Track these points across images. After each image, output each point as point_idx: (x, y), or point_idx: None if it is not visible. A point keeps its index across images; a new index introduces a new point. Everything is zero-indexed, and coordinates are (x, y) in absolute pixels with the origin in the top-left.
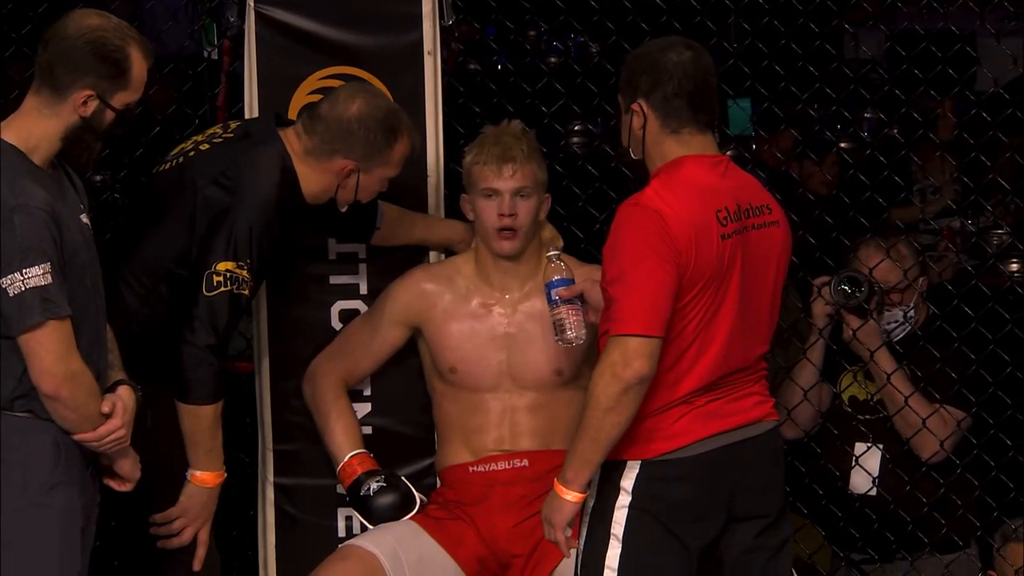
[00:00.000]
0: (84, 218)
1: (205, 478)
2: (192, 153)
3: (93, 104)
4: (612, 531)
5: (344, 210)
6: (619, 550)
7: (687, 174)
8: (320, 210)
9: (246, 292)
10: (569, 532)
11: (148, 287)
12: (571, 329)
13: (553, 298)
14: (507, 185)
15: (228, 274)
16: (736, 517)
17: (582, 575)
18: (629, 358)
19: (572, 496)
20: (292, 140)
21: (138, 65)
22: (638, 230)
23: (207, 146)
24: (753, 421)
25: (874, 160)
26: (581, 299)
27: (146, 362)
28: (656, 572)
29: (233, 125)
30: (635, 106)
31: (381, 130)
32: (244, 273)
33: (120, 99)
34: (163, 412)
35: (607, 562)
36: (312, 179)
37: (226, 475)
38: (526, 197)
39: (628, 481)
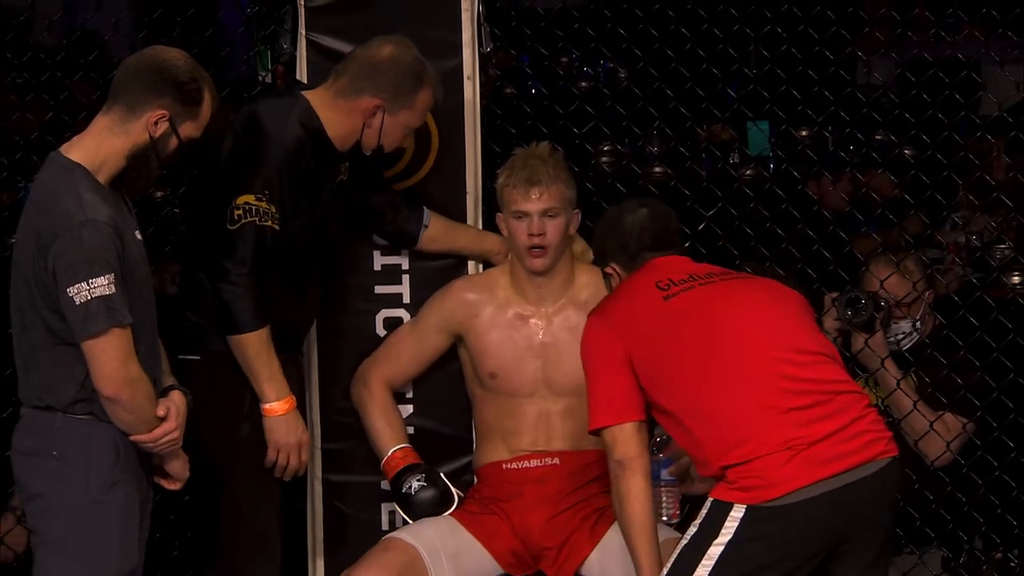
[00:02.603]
0: (138, 235)
1: (274, 408)
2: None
3: (164, 126)
4: (702, 562)
5: (368, 154)
6: None
7: (642, 271)
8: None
9: (270, 224)
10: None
11: None
12: (665, 510)
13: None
14: (535, 207)
15: (247, 206)
16: (838, 554)
17: None
18: (609, 449)
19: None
20: (320, 92)
21: (207, 102)
22: (587, 338)
23: (233, 115)
24: (863, 463)
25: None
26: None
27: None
28: None
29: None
30: (609, 270)
31: (410, 72)
32: (264, 204)
33: (186, 129)
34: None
35: None
36: (338, 122)
37: (294, 401)
38: (554, 217)
39: (732, 523)
